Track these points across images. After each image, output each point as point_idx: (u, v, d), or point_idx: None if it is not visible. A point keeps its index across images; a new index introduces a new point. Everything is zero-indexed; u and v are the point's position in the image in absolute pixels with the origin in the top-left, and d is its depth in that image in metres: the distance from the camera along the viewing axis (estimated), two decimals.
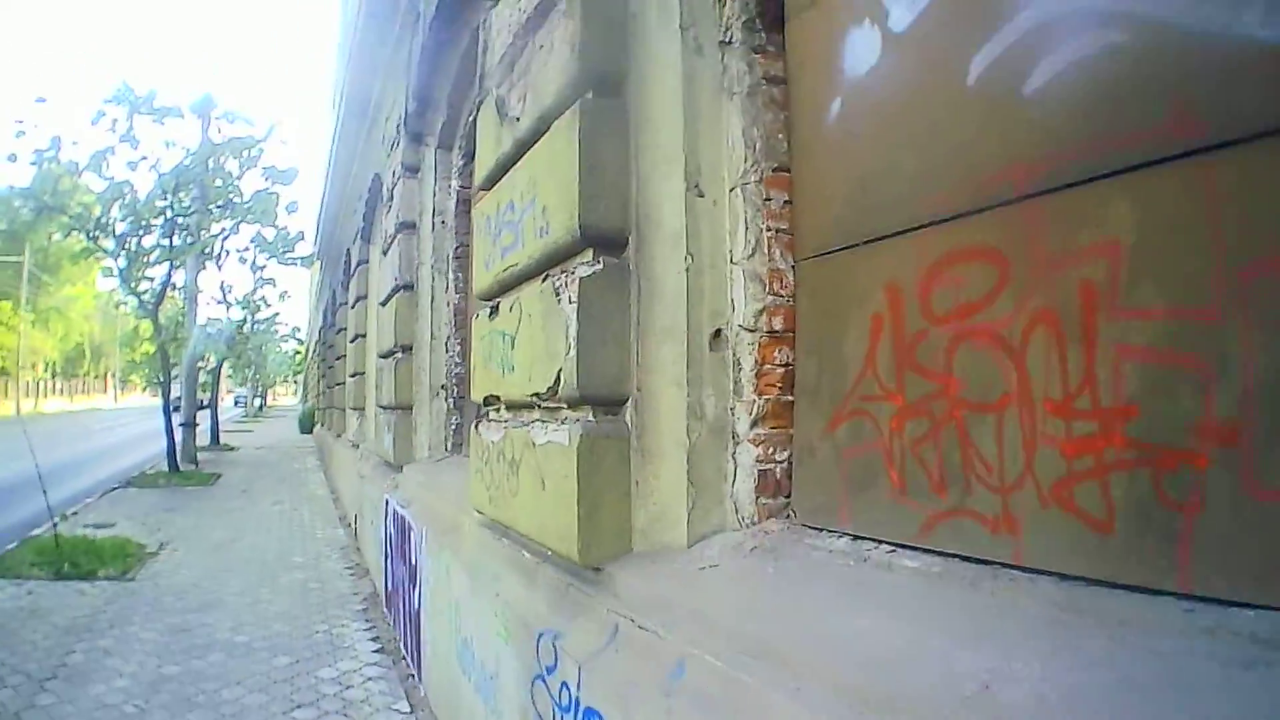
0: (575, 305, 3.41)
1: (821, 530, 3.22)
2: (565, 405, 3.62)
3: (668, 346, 3.48)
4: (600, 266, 3.46)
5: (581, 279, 3.42)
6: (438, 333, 8.98)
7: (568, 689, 3.25)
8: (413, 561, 6.92)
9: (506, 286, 4.39)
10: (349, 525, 13.86)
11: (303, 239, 25.76)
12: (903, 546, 2.82)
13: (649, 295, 3.52)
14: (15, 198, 20.67)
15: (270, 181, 22.81)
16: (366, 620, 8.60)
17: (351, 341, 15.75)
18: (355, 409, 15.35)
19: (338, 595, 9.67)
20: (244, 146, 22.39)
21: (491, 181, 4.69)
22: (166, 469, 21.69)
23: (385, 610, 8.75)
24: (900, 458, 2.89)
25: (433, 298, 9.00)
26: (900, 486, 2.89)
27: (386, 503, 8.75)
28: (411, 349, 9.38)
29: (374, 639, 7.93)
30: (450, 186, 8.99)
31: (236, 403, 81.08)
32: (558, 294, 3.55)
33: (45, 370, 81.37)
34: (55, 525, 11.42)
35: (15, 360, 65.50)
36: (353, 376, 15.53)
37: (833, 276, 3.29)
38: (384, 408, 10.17)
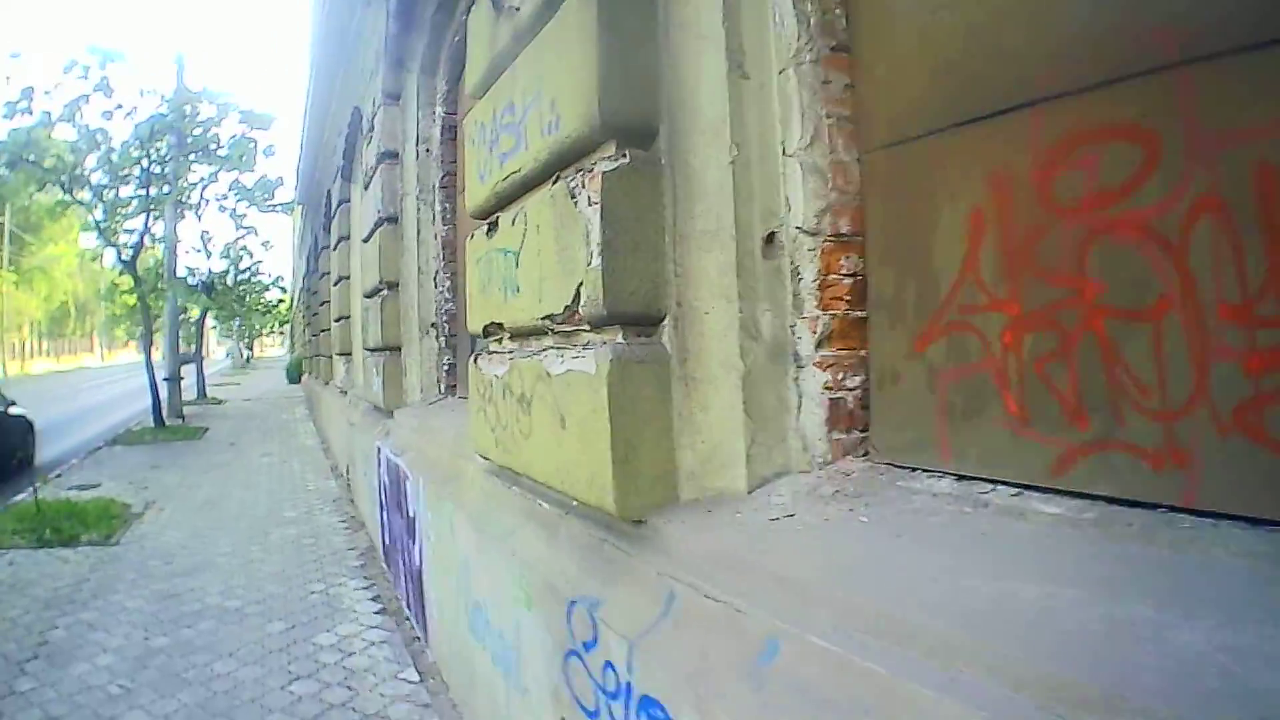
0: (598, 206, 2.87)
1: (915, 470, 2.71)
2: (588, 327, 3.09)
3: (713, 254, 2.97)
4: (626, 160, 2.92)
5: (604, 174, 2.88)
6: (425, 267, 8.40)
7: (613, 670, 2.71)
8: (410, 513, 6.43)
9: (507, 198, 3.89)
10: (341, 476, 13.38)
11: (282, 184, 25.19)
12: (1031, 488, 2.32)
13: (687, 193, 3.01)
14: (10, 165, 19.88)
15: (248, 127, 21.93)
16: (365, 577, 8.09)
17: (335, 285, 15.22)
18: (342, 354, 14.82)
19: (333, 551, 9.16)
20: (218, 98, 21.70)
21: (485, 87, 4.18)
22: (152, 425, 21.22)
23: (384, 565, 8.27)
24: (1019, 380, 2.37)
25: (419, 230, 8.42)
26: (1021, 415, 2.36)
27: (378, 450, 8.24)
28: (398, 286, 8.82)
29: (374, 598, 7.43)
30: (434, 113, 8.39)
31: (228, 355, 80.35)
32: (573, 196, 3.02)
33: (31, 331, 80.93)
34: (35, 491, 10.99)
35: (0, 321, 64.65)
36: (338, 321, 15.01)
37: (913, 168, 2.78)
38: (371, 350, 9.60)
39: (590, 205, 2.91)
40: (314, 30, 14.98)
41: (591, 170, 2.96)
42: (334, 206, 15.38)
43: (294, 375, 41.33)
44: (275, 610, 7.13)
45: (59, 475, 14.58)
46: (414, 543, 6.29)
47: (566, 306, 3.10)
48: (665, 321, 3.01)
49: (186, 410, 24.92)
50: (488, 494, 4.49)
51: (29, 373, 67.55)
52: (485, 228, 4.17)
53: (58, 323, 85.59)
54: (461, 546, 4.77)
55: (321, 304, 19.90)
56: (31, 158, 19.52)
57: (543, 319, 3.37)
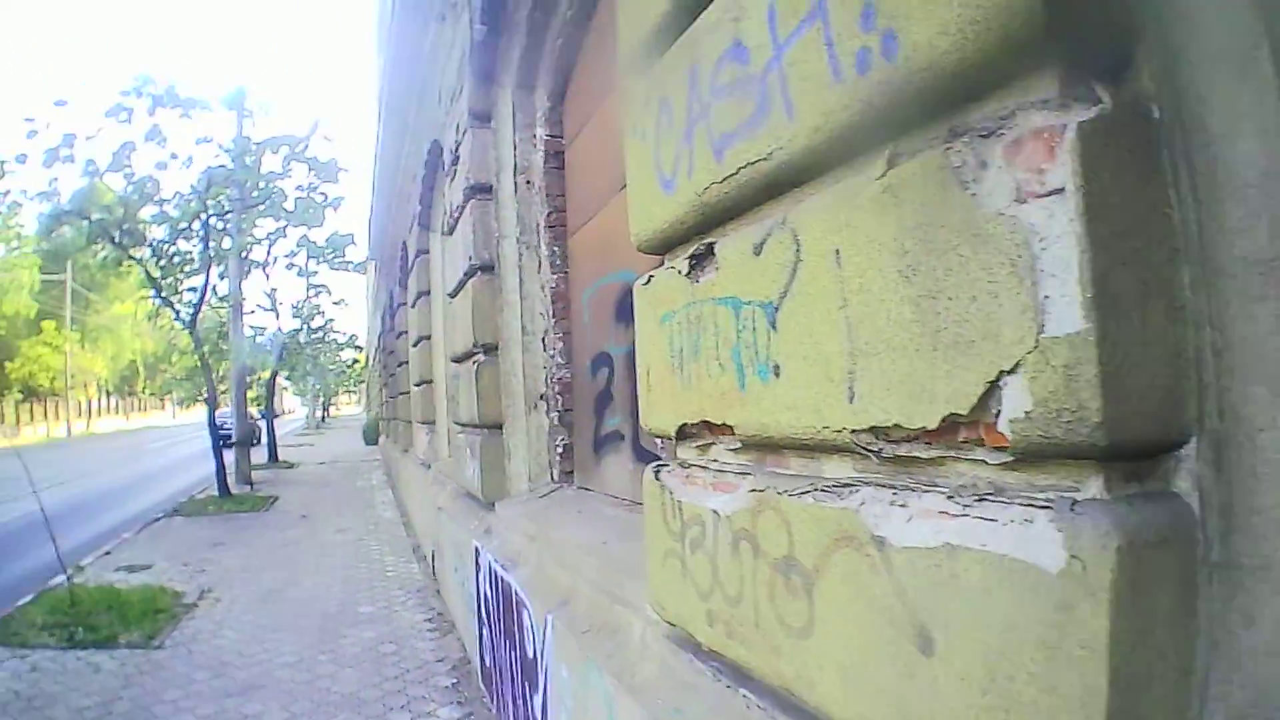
0: (1071, 202, 1.39)
1: None
2: (1010, 456, 1.57)
3: (1272, 303, 1.46)
4: (1107, 107, 1.44)
5: (1080, 133, 1.39)
6: (531, 326, 6.90)
7: None
8: (529, 654, 4.94)
9: (733, 210, 2.46)
10: (424, 559, 12.08)
11: (354, 242, 24.57)
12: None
13: (1210, 181, 1.50)
14: (56, 217, 19.57)
15: (316, 177, 21.00)
16: (459, 704, 6.65)
17: (414, 345, 14.31)
18: (424, 423, 13.68)
19: (419, 664, 7.70)
20: (285, 144, 20.77)
21: (664, 37, 2.77)
22: (216, 493, 20.21)
23: (482, 687, 6.80)
24: None
25: (521, 280, 6.93)
26: None
27: (477, 552, 6.78)
28: (496, 349, 7.29)
29: None
30: (535, 136, 6.94)
31: (305, 417, 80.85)
32: (966, 185, 1.56)
33: (98, 390, 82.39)
34: (69, 579, 9.84)
35: (65, 381, 65.94)
36: (418, 385, 14.04)
37: None
38: (464, 425, 8.15)
39: (1037, 202, 1.44)
40: (382, 64, 14.06)
41: (1031, 128, 1.47)
42: (411, 259, 14.40)
43: (371, 437, 40.86)
44: None
45: (108, 553, 13.44)
46: (535, 691, 4.83)
47: (946, 418, 1.64)
48: (1188, 450, 1.51)
49: (256, 475, 24.06)
50: (682, 685, 2.96)
51: (94, 432, 69.01)
52: (679, 268, 2.75)
53: (126, 380, 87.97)
54: None
55: (400, 365, 18.98)
56: (95, 215, 18.84)
57: (854, 432, 1.90)
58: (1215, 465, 1.49)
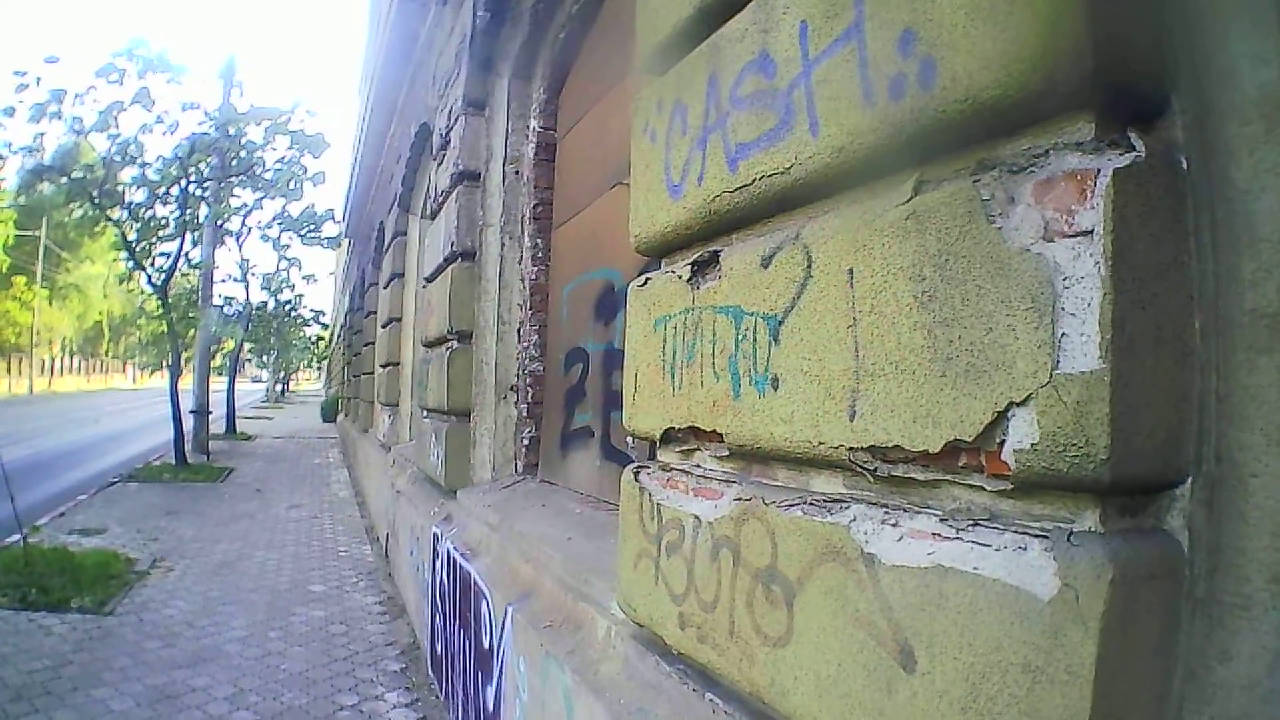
0: (1099, 243, 1.43)
1: None
2: (1010, 485, 1.60)
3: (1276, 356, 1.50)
4: (1140, 155, 1.47)
5: (1116, 178, 1.42)
6: (507, 316, 6.85)
7: None
8: (485, 644, 4.93)
9: (744, 219, 2.46)
10: (377, 541, 12.03)
11: (331, 217, 24.32)
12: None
13: (1229, 232, 1.53)
14: (37, 173, 19.27)
15: (297, 150, 20.84)
16: (407, 688, 6.66)
17: (384, 326, 14.19)
18: (387, 404, 13.54)
19: (368, 646, 7.69)
20: (268, 115, 20.75)
21: (686, 41, 2.75)
22: (173, 461, 19.99)
23: (430, 674, 6.81)
24: None
25: (501, 270, 6.88)
26: None
27: (435, 538, 6.73)
28: (471, 337, 7.25)
29: None
30: (528, 128, 6.88)
31: (265, 390, 79.97)
32: (992, 219, 1.59)
33: (62, 349, 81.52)
34: (24, 539, 9.69)
35: (30, 337, 65.03)
36: (385, 367, 13.92)
37: None
38: (431, 411, 8.09)
39: (1064, 241, 1.48)
40: (375, 40, 13.95)
41: (1064, 169, 1.51)
42: (388, 240, 14.41)
43: (329, 414, 40.42)
44: None
45: (62, 514, 13.33)
46: (489, 683, 4.81)
47: (949, 443, 1.66)
48: (1182, 489, 1.55)
49: (213, 445, 23.69)
50: (647, 685, 2.96)
51: (55, 391, 68.22)
52: (682, 271, 2.74)
53: (91, 342, 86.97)
54: None
55: (365, 345, 18.80)
56: (75, 173, 18.68)
57: (851, 449, 1.91)
58: (1207, 506, 1.53)
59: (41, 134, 17.98)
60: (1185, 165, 1.52)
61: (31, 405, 46.11)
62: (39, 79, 17.50)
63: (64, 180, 18.71)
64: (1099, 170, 1.42)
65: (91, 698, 6.08)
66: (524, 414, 6.62)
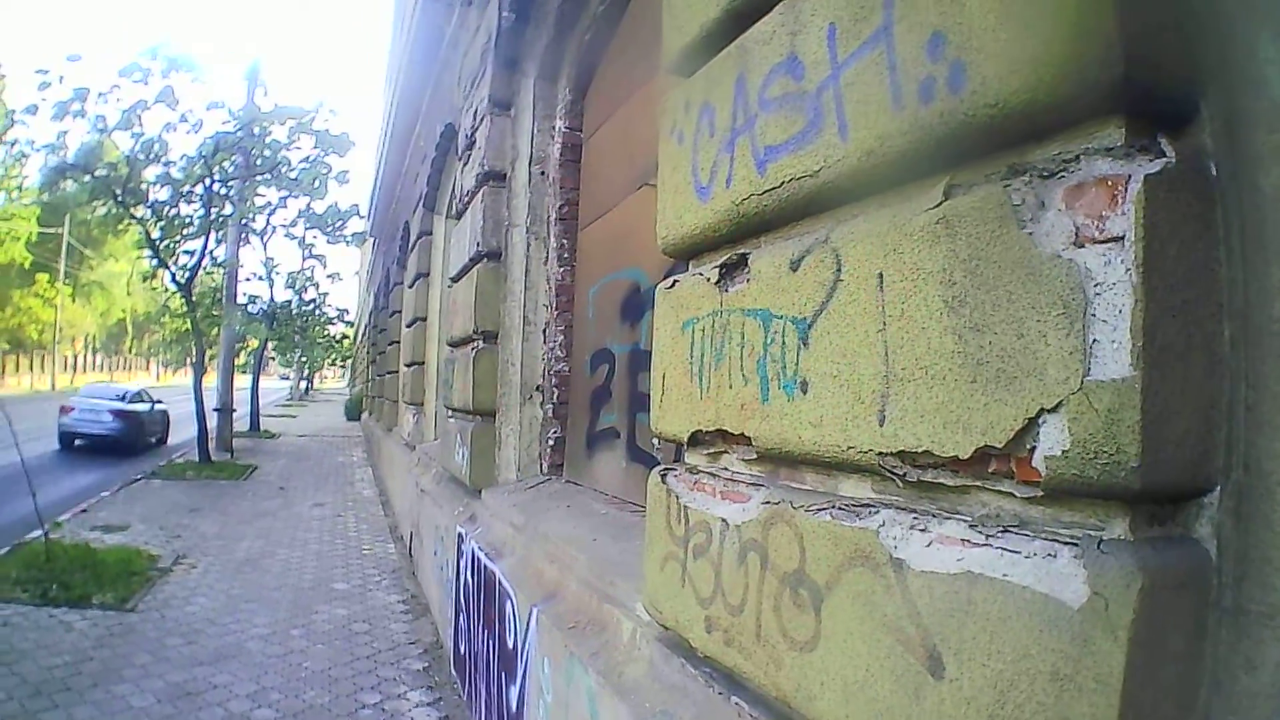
0: (1130, 250, 1.42)
1: None
2: (1041, 492, 1.59)
3: None
4: (1171, 162, 1.46)
5: (1147, 185, 1.42)
6: (533, 316, 6.85)
7: None
8: (509, 645, 4.91)
9: (772, 222, 2.46)
10: (401, 540, 12.06)
11: (357, 212, 24.29)
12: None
13: (1258, 240, 1.51)
14: (60, 170, 19.47)
15: (321, 150, 20.87)
16: (429, 688, 6.66)
17: (409, 326, 14.23)
18: (412, 404, 13.55)
19: (391, 645, 7.70)
20: (292, 115, 20.78)
21: (713, 43, 2.75)
22: (196, 459, 20.14)
23: (453, 673, 6.81)
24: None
25: (527, 270, 6.88)
26: None
27: (460, 538, 6.73)
28: (496, 337, 7.24)
29: None
30: (554, 128, 6.87)
31: (290, 389, 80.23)
32: (1024, 224, 1.58)
33: (85, 346, 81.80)
34: (46, 535, 9.71)
35: (53, 334, 65.44)
36: (409, 366, 13.94)
37: None
38: (456, 411, 8.07)
39: (1095, 247, 1.47)
40: (400, 39, 13.97)
41: (1095, 174, 1.50)
42: (413, 239, 14.39)
43: (353, 413, 40.68)
44: None
45: (85, 510, 13.39)
46: (512, 683, 4.81)
47: (979, 449, 1.65)
48: (1211, 498, 1.54)
49: (237, 443, 23.90)
50: (672, 688, 2.95)
51: (78, 387, 68.64)
52: (701, 272, 2.77)
53: (114, 339, 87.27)
54: None
55: (390, 344, 18.85)
56: (99, 171, 18.78)
57: (881, 454, 1.91)
58: (1235, 514, 1.51)
59: (65, 132, 18.11)
60: (1214, 172, 1.52)
61: (53, 402, 46.31)
62: (62, 77, 17.66)
63: (87, 178, 18.85)
64: (1130, 176, 1.42)
65: (112, 694, 6.09)
66: (549, 414, 6.62)
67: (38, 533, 9.95)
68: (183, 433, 26.65)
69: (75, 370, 76.37)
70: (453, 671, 6.85)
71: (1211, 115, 1.53)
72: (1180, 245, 1.44)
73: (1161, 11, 1.46)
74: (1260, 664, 1.47)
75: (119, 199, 19.06)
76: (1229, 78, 1.52)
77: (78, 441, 22.44)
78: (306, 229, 25.34)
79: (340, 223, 24.57)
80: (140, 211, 19.85)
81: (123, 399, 24.33)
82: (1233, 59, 1.52)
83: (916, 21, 1.79)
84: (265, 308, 29.43)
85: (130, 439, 22.64)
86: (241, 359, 33.35)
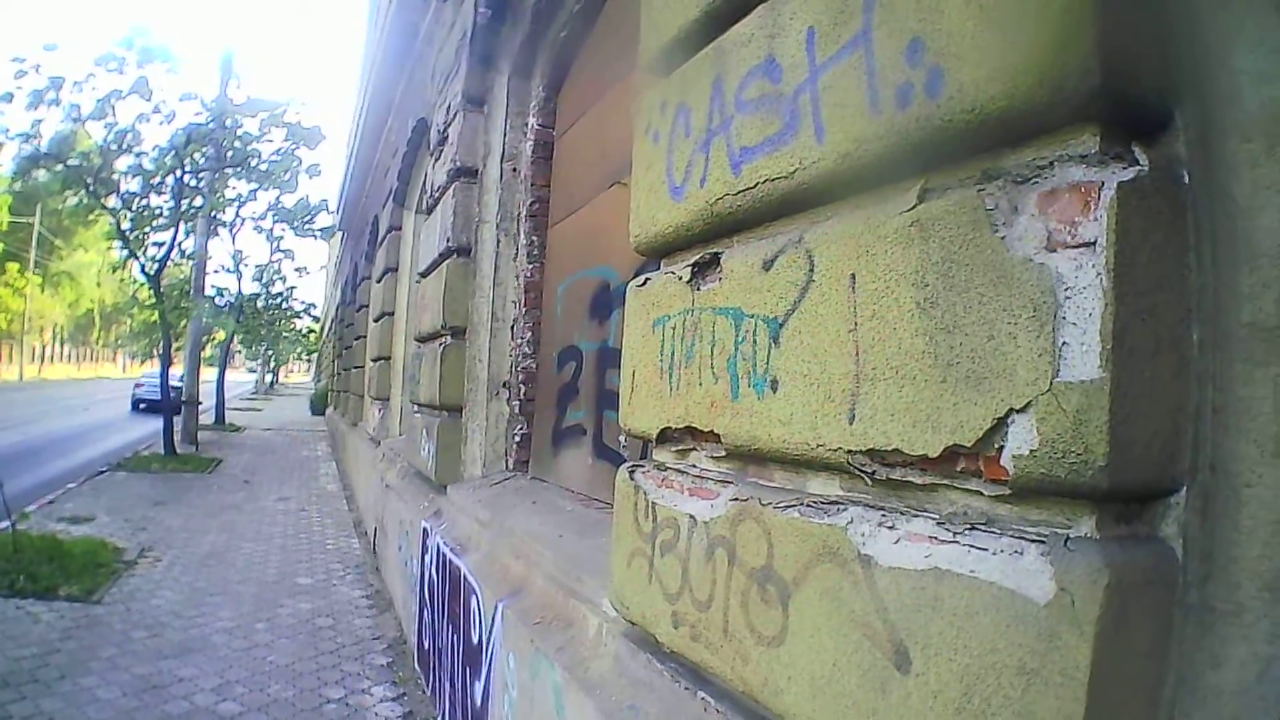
0: (1101, 255, 1.45)
1: None
2: (1008, 490, 1.61)
3: (1272, 369, 1.50)
4: (1144, 170, 1.50)
5: (1121, 192, 1.45)
6: (502, 313, 6.83)
7: None
8: (474, 640, 4.90)
9: (745, 223, 2.48)
10: (365, 535, 11.99)
11: (325, 207, 24.19)
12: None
13: (1229, 249, 1.55)
14: (33, 159, 19.17)
15: (292, 142, 20.74)
16: (393, 683, 6.63)
17: (376, 321, 14.18)
18: (378, 399, 13.46)
19: (355, 640, 7.66)
20: (264, 108, 20.69)
21: (691, 43, 2.76)
22: (162, 451, 19.88)
23: (416, 668, 6.78)
24: None
25: (496, 266, 6.86)
26: None
27: (425, 533, 6.70)
28: (464, 333, 7.25)
29: (405, 716, 6.04)
30: (526, 125, 6.86)
31: (255, 382, 79.76)
32: (996, 228, 1.61)
33: (53, 336, 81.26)
34: (13, 526, 9.64)
35: (22, 324, 64.83)
36: (375, 361, 13.87)
37: None
38: (423, 406, 8.04)
39: (1067, 252, 1.50)
40: (374, 34, 13.92)
41: (1068, 181, 1.54)
42: (382, 234, 14.33)
43: (318, 407, 40.42)
44: None
45: (51, 501, 13.24)
46: (477, 678, 4.80)
47: (948, 447, 1.68)
48: (1177, 498, 1.57)
49: (202, 436, 23.70)
50: (638, 683, 2.96)
51: (46, 377, 67.96)
52: (675, 271, 2.77)
53: (82, 330, 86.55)
54: None
55: (356, 338, 18.77)
56: (71, 160, 18.65)
57: (850, 452, 1.92)
58: (1201, 514, 1.54)
59: (39, 121, 17.93)
60: (1187, 180, 1.54)
61: (22, 392, 45.96)
62: (38, 66, 17.44)
63: (60, 167, 18.67)
64: (1103, 183, 1.44)
65: (79, 686, 6.05)
66: (516, 411, 6.61)
67: (4, 524, 9.83)
68: (144, 427, 26.55)
69: (42, 361, 75.74)
70: (416, 667, 6.82)
71: (1186, 124, 1.55)
72: (1151, 251, 1.46)
73: (1138, 23, 1.49)
74: (1225, 661, 1.50)
75: (90, 189, 18.89)
76: (1203, 88, 1.55)
77: (142, 405, 34.22)
78: (275, 222, 25.22)
79: (309, 217, 24.50)
80: (111, 202, 19.67)
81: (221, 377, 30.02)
82: (1207, 70, 1.55)
83: (895, 27, 1.81)
84: (233, 300, 29.21)
85: (175, 403, 22.78)
86: (208, 352, 33.15)
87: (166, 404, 20.00)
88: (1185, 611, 1.53)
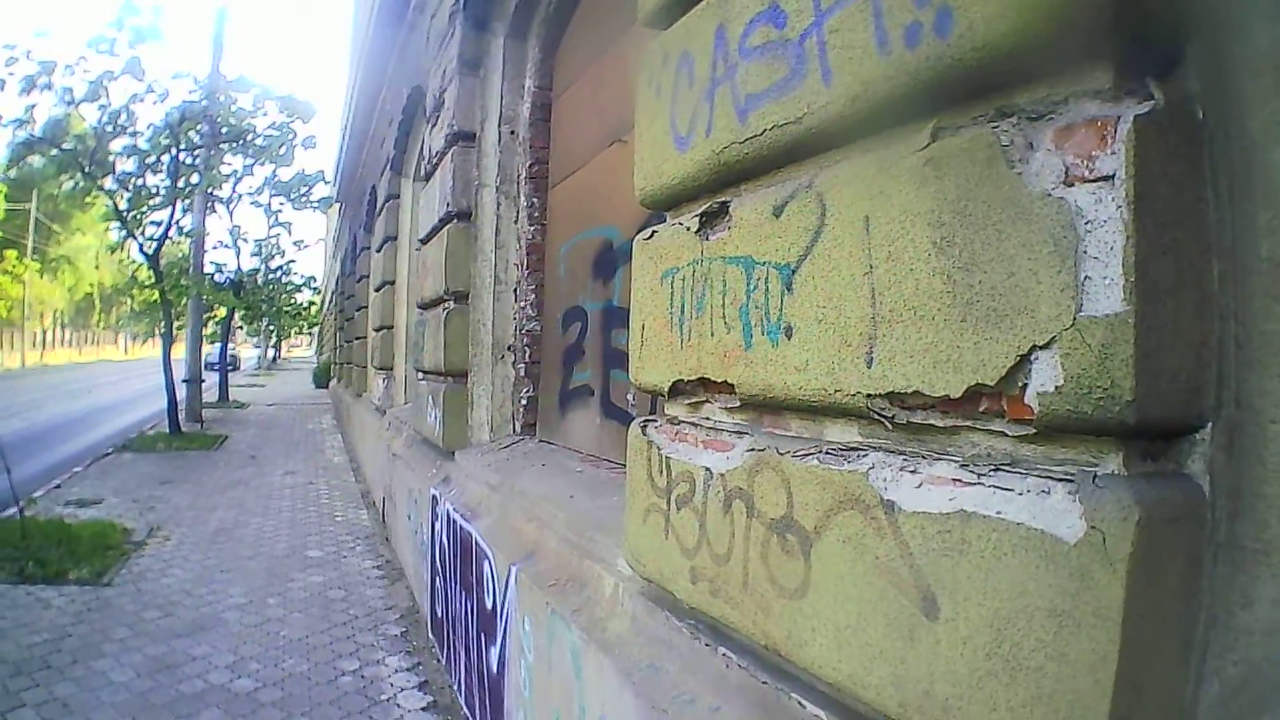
0: (1120, 188, 1.42)
1: None
2: (1033, 429, 1.59)
3: None
4: (1159, 104, 1.46)
5: (1137, 126, 1.42)
6: (504, 276, 6.81)
7: None
8: (488, 605, 4.87)
9: (754, 170, 2.42)
10: (374, 506, 11.99)
11: (322, 178, 24.14)
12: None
13: (1246, 184, 1.52)
14: (27, 145, 19.26)
15: (287, 116, 20.62)
16: (407, 653, 6.63)
17: (377, 290, 14.12)
18: (381, 369, 13.44)
19: (367, 611, 7.66)
20: (256, 87, 20.84)
21: None
22: (167, 430, 19.94)
23: (430, 637, 6.78)
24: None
25: (497, 230, 6.82)
26: None
27: (434, 500, 6.67)
28: (467, 297, 7.16)
29: (421, 685, 6.01)
30: (523, 87, 6.82)
31: (257, 360, 79.57)
32: (1013, 164, 1.57)
33: (53, 321, 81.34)
34: (21, 511, 9.59)
35: (21, 310, 64.83)
36: (378, 331, 13.80)
37: None
38: (428, 373, 8.01)
39: (1085, 186, 1.47)
40: (364, 2, 13.71)
41: (1084, 116, 1.51)
42: (380, 203, 14.20)
43: (321, 380, 40.66)
44: (297, 700, 5.68)
45: (58, 485, 13.21)
46: (492, 643, 4.77)
47: (971, 387, 1.64)
48: (1203, 434, 1.55)
49: (206, 414, 23.72)
50: (657, 641, 2.95)
51: (47, 363, 68.02)
52: (682, 223, 2.73)
53: (82, 313, 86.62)
54: (591, 695, 3.26)
55: (358, 309, 18.70)
56: (66, 144, 18.64)
57: (869, 396, 1.89)
58: (1227, 451, 1.52)
59: (32, 106, 17.88)
60: (1201, 115, 1.51)
61: (24, 378, 46.01)
62: (28, 52, 17.35)
63: (54, 152, 18.71)
64: (1119, 117, 1.42)
65: (92, 670, 6.04)
66: (522, 374, 6.61)
67: (12, 510, 9.83)
68: (148, 407, 26.58)
69: (44, 347, 75.79)
70: (430, 635, 6.81)
71: (1198, 61, 1.53)
72: (1170, 185, 1.43)
73: None
74: (1256, 600, 1.48)
75: (86, 171, 18.85)
76: (1214, 25, 1.52)
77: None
78: (272, 196, 25.13)
79: (306, 189, 24.41)
80: (108, 183, 19.61)
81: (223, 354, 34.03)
82: (1218, 6, 1.52)
83: None
84: (232, 276, 29.12)
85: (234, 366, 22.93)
86: (210, 329, 33.11)
87: (171, 383, 20.09)
88: (1215, 549, 1.51)
